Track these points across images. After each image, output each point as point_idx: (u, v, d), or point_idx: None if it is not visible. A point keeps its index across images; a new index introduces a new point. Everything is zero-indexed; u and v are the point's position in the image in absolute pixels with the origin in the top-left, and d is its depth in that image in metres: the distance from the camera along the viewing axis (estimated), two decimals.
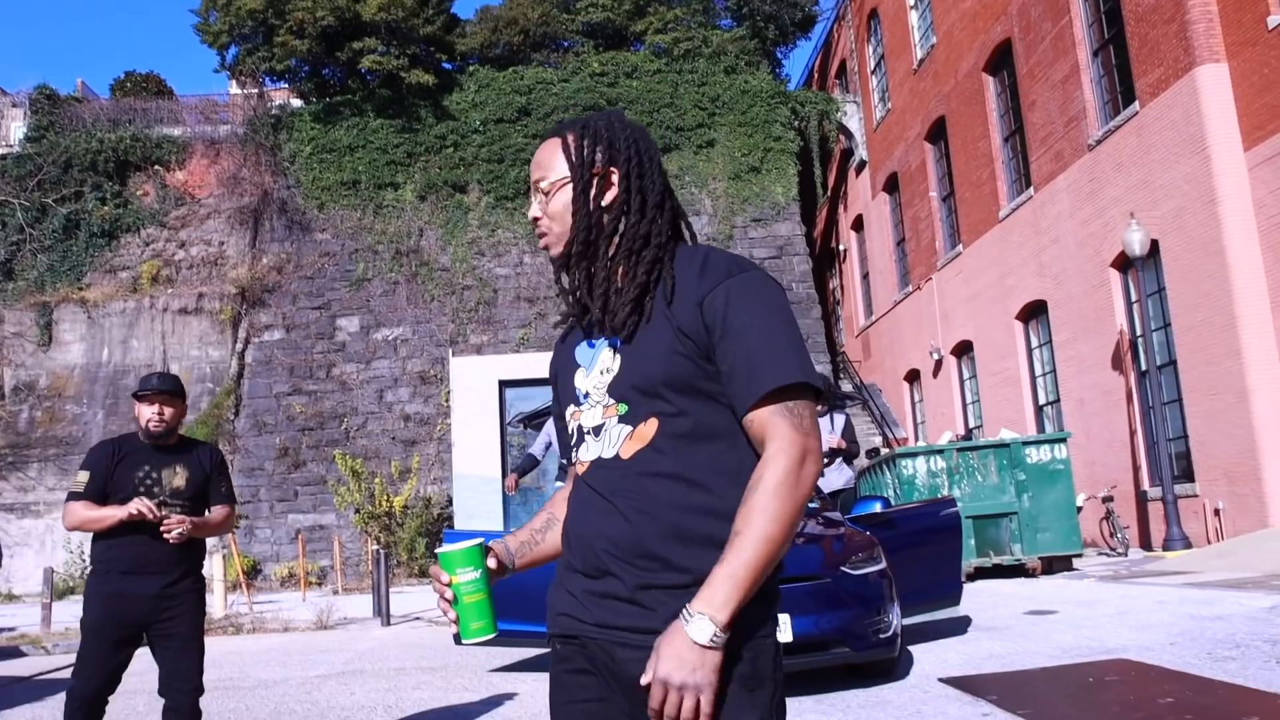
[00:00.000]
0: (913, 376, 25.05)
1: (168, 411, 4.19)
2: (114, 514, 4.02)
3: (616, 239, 1.75)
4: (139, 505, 3.99)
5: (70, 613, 14.65)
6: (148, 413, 4.16)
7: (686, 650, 1.51)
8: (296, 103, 29.06)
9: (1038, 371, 19.05)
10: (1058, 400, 18.09)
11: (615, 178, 1.76)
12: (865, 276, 28.59)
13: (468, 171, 26.86)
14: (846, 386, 26.81)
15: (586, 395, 1.76)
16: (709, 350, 1.66)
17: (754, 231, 26.19)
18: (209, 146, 28.06)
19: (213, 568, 15.02)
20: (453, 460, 21.59)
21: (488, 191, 26.65)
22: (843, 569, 5.92)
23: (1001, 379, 20.02)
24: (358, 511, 20.46)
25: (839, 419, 9.48)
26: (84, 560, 23.83)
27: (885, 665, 6.15)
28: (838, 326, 31.12)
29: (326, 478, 23.35)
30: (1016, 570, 12.82)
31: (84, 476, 4.12)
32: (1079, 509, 13.45)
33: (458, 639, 1.90)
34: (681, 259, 1.75)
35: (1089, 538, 15.48)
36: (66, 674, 8.85)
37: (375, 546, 12.59)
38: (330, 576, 21.18)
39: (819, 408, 8.80)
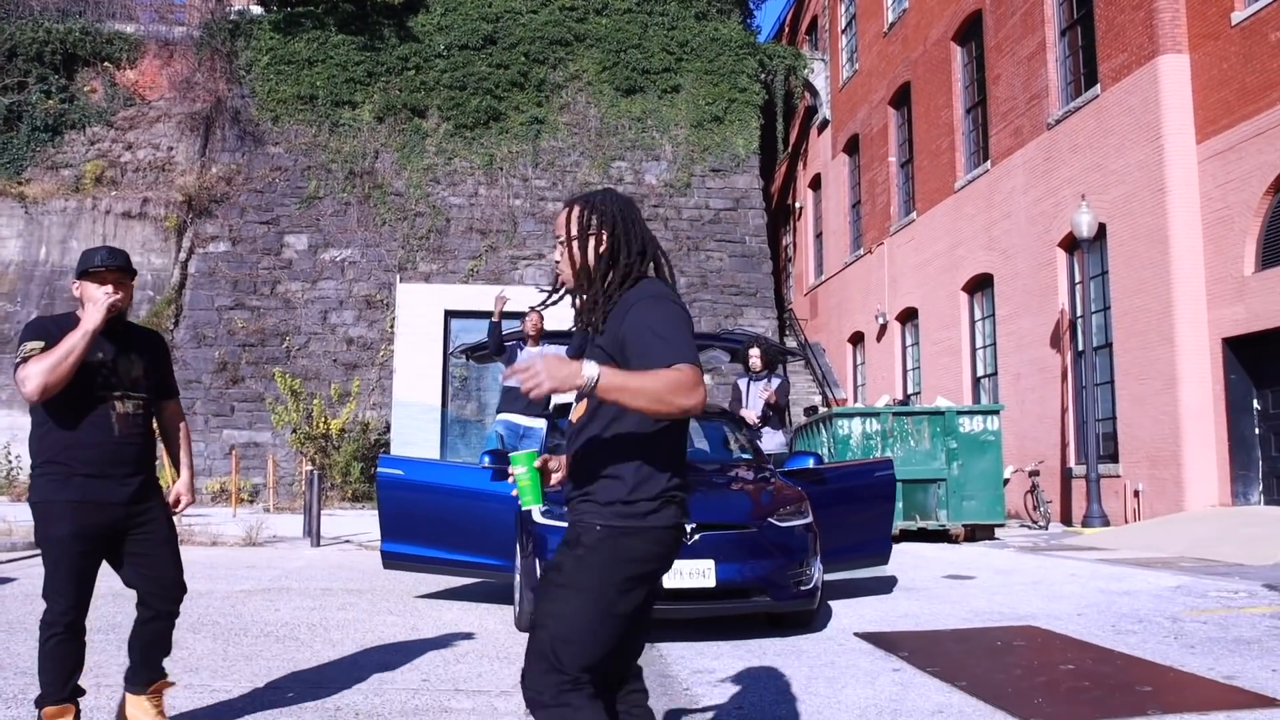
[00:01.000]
0: (857, 339, 25.33)
1: (122, 292, 3.63)
2: (88, 321, 3.48)
3: (610, 275, 2.58)
4: (104, 297, 3.53)
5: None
6: (99, 293, 3.55)
7: (568, 366, 2.28)
8: (257, 10, 28.29)
9: (979, 344, 19.36)
10: (995, 373, 18.43)
11: (605, 236, 2.59)
12: (819, 236, 28.73)
13: (428, 96, 26.41)
14: (791, 343, 27.04)
15: None
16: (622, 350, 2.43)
17: (711, 181, 26.15)
18: (162, 47, 27.27)
19: None
20: (393, 387, 21.52)
21: (447, 118, 26.26)
22: (770, 520, 6.03)
23: (943, 348, 20.33)
24: (294, 431, 20.34)
25: (775, 381, 9.61)
26: (11, 460, 23.47)
27: (804, 616, 6.31)
28: (787, 284, 31.30)
29: (265, 395, 23.13)
30: (941, 535, 13.13)
31: (36, 344, 3.49)
32: (1006, 480, 13.82)
33: (522, 509, 3.08)
34: (639, 289, 2.53)
35: (1013, 509, 15.88)
36: None
37: (310, 467, 12.53)
38: (263, 494, 21.07)
39: (760, 369, 9.03)
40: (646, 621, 2.68)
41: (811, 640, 6.00)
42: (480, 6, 27.16)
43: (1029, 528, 15.14)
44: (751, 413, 9.16)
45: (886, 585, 8.47)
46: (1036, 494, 15.24)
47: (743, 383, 9.50)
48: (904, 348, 22.68)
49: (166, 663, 4.26)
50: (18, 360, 3.49)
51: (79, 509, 3.53)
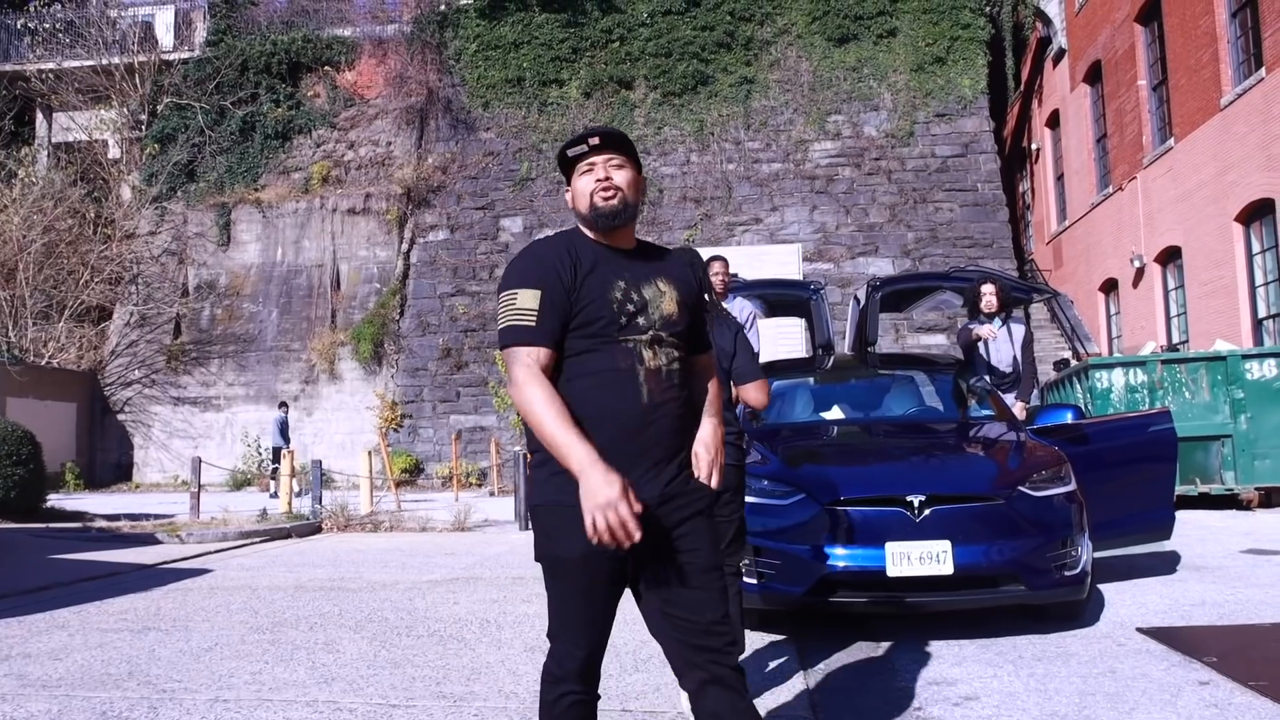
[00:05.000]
0: (1109, 287, 22.89)
1: (620, 177, 2.45)
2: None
3: None
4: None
5: (233, 504, 14.86)
6: (590, 184, 2.42)
7: None
8: (465, 1, 28.51)
9: (1259, 281, 16.87)
10: None
11: None
12: (1060, 178, 26.25)
13: (634, 67, 25.81)
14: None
15: None
16: None
17: (937, 128, 24.30)
18: (377, 46, 27.93)
19: (358, 465, 14.94)
20: None
21: (654, 88, 25.58)
22: (1021, 489, 4.82)
23: (1213, 289, 17.88)
24: (517, 414, 20.17)
25: (1018, 330, 7.46)
26: (261, 453, 24.57)
27: (1071, 608, 5.05)
28: (1027, 233, 28.86)
29: (488, 379, 23.23)
30: (1227, 501, 11.28)
31: (528, 298, 2.32)
32: None
33: None
34: None
35: None
36: (191, 564, 8.79)
37: (518, 448, 12.05)
38: (490, 477, 21.10)
39: (997, 309, 7.42)
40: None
41: (1082, 639, 4.77)
42: None
43: None
44: (988, 327, 7.21)
45: (1169, 564, 7.01)
46: None
47: (975, 326, 7.39)
48: (1166, 292, 20.22)
49: (300, 668, 3.51)
50: (510, 324, 2.32)
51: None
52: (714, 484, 2.48)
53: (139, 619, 5.83)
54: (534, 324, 2.29)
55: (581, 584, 2.31)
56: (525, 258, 2.37)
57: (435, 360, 24.04)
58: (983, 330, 7.19)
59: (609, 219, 2.40)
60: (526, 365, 2.27)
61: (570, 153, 2.46)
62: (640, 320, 2.35)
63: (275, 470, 20.14)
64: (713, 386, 2.61)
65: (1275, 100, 15.64)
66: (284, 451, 16.58)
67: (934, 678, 4.17)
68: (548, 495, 2.33)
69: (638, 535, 2.13)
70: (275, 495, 16.63)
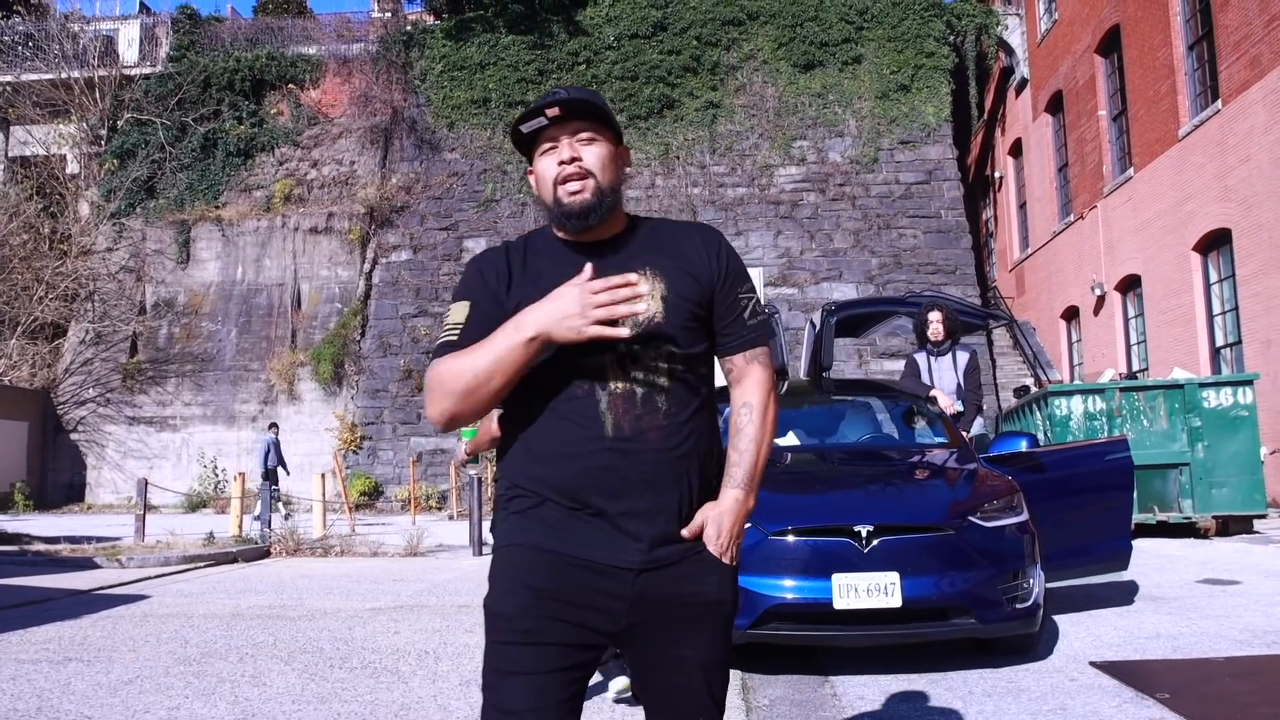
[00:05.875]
0: (1070, 314, 23.05)
1: (592, 155, 1.92)
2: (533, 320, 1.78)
3: None
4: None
5: (183, 526, 14.51)
6: (552, 168, 1.92)
7: None
8: (431, 21, 28.41)
9: (1216, 310, 17.00)
10: (1239, 342, 16.08)
11: None
12: (1022, 206, 26.46)
13: (600, 89, 25.76)
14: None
15: None
16: None
17: (901, 154, 24.41)
18: (342, 65, 27.75)
19: (311, 489, 14.65)
20: None
21: (620, 110, 25.54)
22: (971, 519, 4.71)
23: (1172, 317, 18.01)
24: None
25: (962, 356, 7.10)
26: (219, 474, 24.16)
27: (1022, 642, 4.93)
28: (990, 260, 29.05)
29: None
30: (1185, 529, 11.27)
31: (458, 312, 1.92)
32: (1263, 462, 11.71)
33: None
34: None
35: (1274, 496, 13.66)
36: (129, 589, 8.48)
37: (472, 471, 11.86)
38: (449, 501, 20.82)
39: (942, 338, 7.14)
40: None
41: (1034, 673, 4.65)
42: None
43: None
44: (944, 395, 6.77)
45: (1126, 594, 6.93)
46: None
47: (920, 357, 7.13)
48: (1126, 320, 20.36)
49: (222, 703, 3.31)
50: (441, 340, 1.92)
51: (545, 564, 1.81)
52: (725, 558, 1.89)
53: (61, 649, 5.59)
54: (456, 338, 1.85)
55: (514, 654, 1.76)
56: (465, 271, 1.95)
57: (396, 381, 23.78)
58: (940, 396, 6.70)
59: (579, 218, 1.87)
60: (430, 371, 1.86)
61: (524, 129, 1.92)
62: None
63: (275, 494, 19.74)
64: (751, 425, 1.93)
65: (1231, 132, 15.79)
66: (284, 474, 16.20)
67: (883, 714, 4.03)
68: (498, 538, 1.89)
69: (643, 287, 1.75)
70: (285, 518, 15.84)
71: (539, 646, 1.76)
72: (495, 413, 3.31)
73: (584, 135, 1.90)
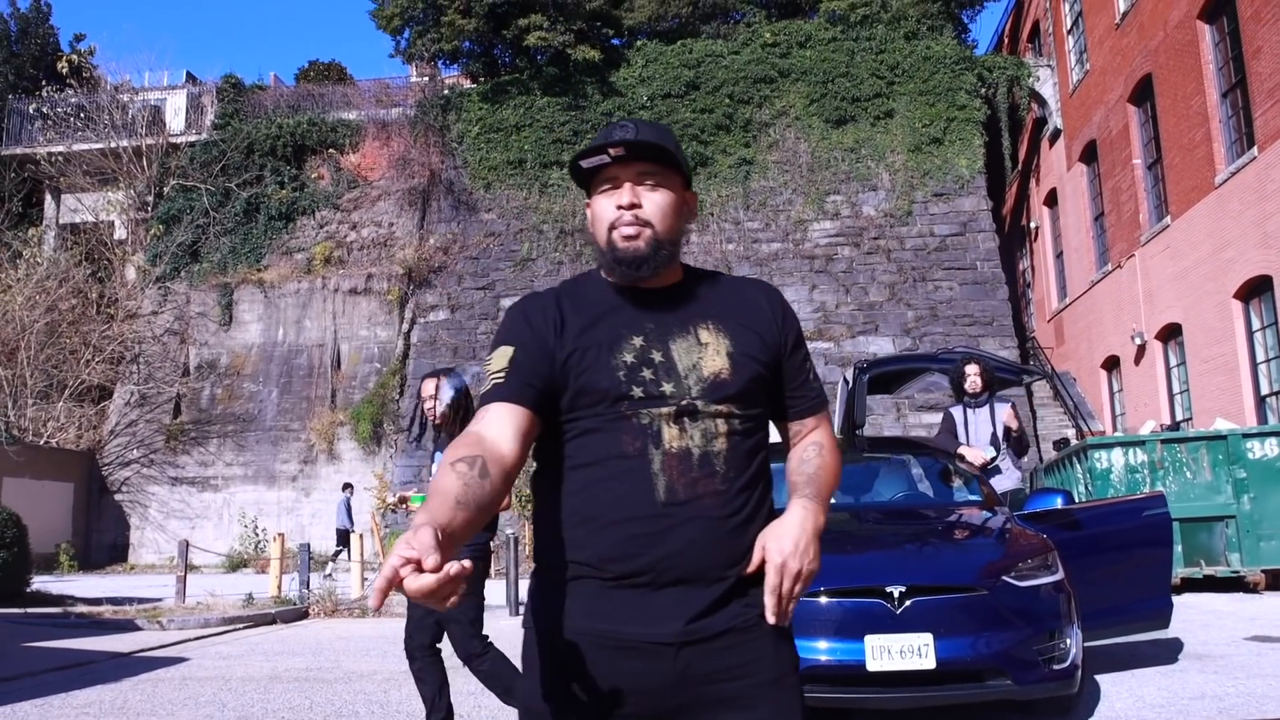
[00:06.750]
0: (1111, 364, 22.81)
1: (653, 203, 1.79)
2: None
3: None
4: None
5: (223, 586, 14.62)
6: (609, 211, 1.80)
7: None
8: (468, 85, 28.99)
9: (1260, 358, 16.77)
10: None
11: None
12: (1059, 255, 26.33)
13: None
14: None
15: None
16: None
17: (935, 207, 24.44)
18: (381, 129, 28.32)
19: (351, 548, 14.72)
20: None
21: None
22: (1005, 578, 4.67)
23: (1215, 366, 17.78)
24: (518, 497, 19.97)
25: (1000, 408, 7.03)
26: (259, 534, 24.35)
27: (1061, 703, 4.87)
28: (1028, 310, 28.87)
29: None
30: (1233, 584, 11.04)
31: (501, 357, 1.77)
32: None
33: None
34: None
35: None
36: (169, 652, 8.57)
37: (510, 531, 11.89)
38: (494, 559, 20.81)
39: (980, 390, 7.13)
40: None
41: None
42: (681, 54, 26.74)
43: None
44: (978, 451, 6.75)
45: (1170, 652, 6.80)
46: None
47: (957, 411, 7.07)
48: (1168, 369, 20.12)
49: None
50: (483, 392, 1.79)
51: (580, 651, 1.69)
52: (772, 618, 1.63)
53: (101, 713, 5.65)
54: (502, 381, 1.70)
55: None
56: (507, 316, 1.81)
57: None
58: (972, 453, 6.74)
59: (631, 267, 1.74)
60: (473, 423, 1.69)
61: (585, 164, 1.79)
62: (666, 387, 1.68)
63: (338, 554, 19.79)
64: (820, 457, 1.85)
65: (1269, 178, 15.70)
66: (351, 534, 16.26)
67: None
68: (530, 615, 1.77)
69: (429, 581, 1.31)
70: (325, 576, 15.84)
71: None
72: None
73: (649, 179, 1.76)
